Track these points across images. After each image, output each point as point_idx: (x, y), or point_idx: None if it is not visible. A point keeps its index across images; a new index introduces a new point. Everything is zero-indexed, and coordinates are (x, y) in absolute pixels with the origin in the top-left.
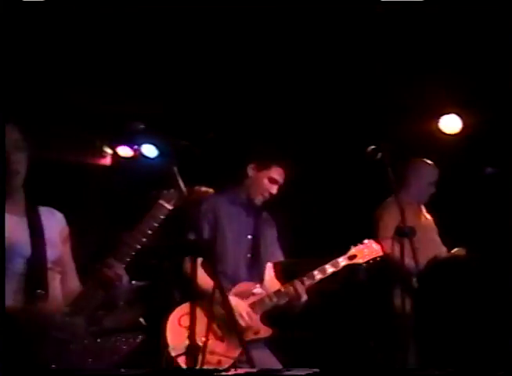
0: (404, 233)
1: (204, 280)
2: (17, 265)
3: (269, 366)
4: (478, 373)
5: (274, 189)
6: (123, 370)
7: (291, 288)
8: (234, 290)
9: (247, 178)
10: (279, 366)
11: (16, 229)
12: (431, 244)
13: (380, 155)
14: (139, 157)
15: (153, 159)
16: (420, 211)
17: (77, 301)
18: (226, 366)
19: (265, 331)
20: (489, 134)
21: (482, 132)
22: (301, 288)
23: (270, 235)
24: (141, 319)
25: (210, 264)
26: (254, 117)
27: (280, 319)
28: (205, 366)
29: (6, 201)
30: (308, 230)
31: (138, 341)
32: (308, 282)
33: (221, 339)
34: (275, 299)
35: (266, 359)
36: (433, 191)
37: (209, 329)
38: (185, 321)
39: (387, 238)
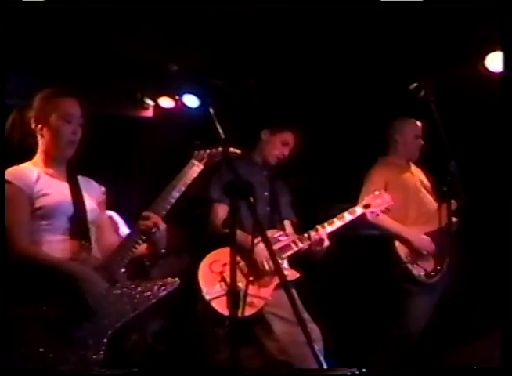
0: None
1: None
2: (61, 222)
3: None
4: None
5: (286, 151)
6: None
7: (314, 233)
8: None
9: (261, 142)
10: (307, 317)
11: (60, 191)
12: (420, 202)
13: (423, 92)
14: (181, 107)
15: (194, 109)
16: (409, 168)
17: (112, 252)
18: (260, 306)
19: (292, 275)
20: None
21: None
22: (323, 233)
23: (285, 198)
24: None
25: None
26: (269, 82)
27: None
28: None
29: (52, 168)
30: (320, 193)
31: (175, 286)
32: (329, 228)
33: (252, 282)
34: (299, 244)
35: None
36: (421, 145)
37: (246, 273)
38: (216, 267)
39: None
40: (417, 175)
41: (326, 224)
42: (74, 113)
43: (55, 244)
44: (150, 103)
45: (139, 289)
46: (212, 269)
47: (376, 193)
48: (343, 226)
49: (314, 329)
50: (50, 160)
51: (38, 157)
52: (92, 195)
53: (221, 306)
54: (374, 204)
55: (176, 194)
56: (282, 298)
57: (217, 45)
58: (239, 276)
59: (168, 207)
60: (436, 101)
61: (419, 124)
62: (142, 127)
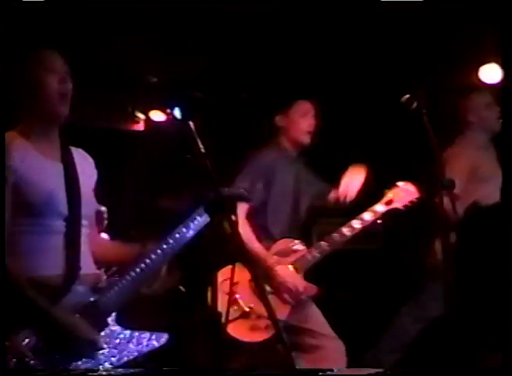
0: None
1: (249, 238)
2: (51, 222)
3: (318, 325)
4: None
5: (311, 119)
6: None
7: (330, 241)
8: (274, 248)
9: (281, 129)
10: (327, 325)
11: (53, 179)
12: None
13: (415, 104)
14: (172, 120)
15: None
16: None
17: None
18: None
19: (310, 290)
20: None
21: None
22: (340, 240)
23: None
24: (181, 287)
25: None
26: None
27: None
28: (256, 332)
29: (42, 137)
30: None
31: (161, 342)
32: (348, 233)
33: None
34: (316, 254)
35: (315, 317)
36: (498, 112)
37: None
38: (226, 287)
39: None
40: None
41: (344, 229)
42: (58, 63)
43: (41, 255)
44: (141, 116)
45: (126, 341)
46: (222, 289)
47: (400, 184)
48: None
49: (339, 345)
50: (40, 126)
51: (25, 122)
52: (87, 180)
53: (235, 331)
54: (398, 198)
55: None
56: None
57: (209, 57)
58: (250, 296)
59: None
60: (428, 113)
61: (486, 93)
62: (133, 140)
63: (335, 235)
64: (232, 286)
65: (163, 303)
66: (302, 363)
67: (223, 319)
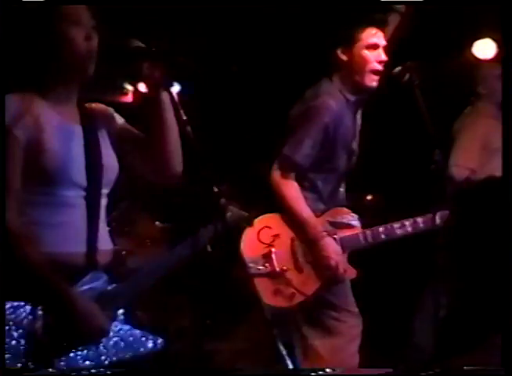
0: None
1: (297, 201)
2: (69, 193)
3: (346, 303)
4: None
5: (381, 56)
6: None
7: (388, 232)
8: (326, 215)
9: (345, 66)
10: (354, 303)
11: (71, 145)
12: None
13: (407, 76)
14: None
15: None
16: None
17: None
18: (297, 301)
19: (350, 273)
20: None
21: None
22: (399, 234)
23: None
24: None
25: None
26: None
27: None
28: (279, 297)
29: (62, 99)
30: None
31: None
32: (409, 228)
33: (300, 270)
34: (370, 240)
35: (344, 294)
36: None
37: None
38: (265, 236)
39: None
40: None
41: (406, 222)
42: (84, 16)
43: (55, 229)
44: (129, 88)
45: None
46: (260, 237)
47: None
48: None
49: (358, 324)
50: (61, 86)
51: (45, 82)
52: (110, 138)
53: (255, 286)
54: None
55: None
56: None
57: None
58: (287, 256)
59: None
60: (421, 86)
61: (496, 64)
62: (121, 112)
63: (396, 226)
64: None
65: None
66: (315, 338)
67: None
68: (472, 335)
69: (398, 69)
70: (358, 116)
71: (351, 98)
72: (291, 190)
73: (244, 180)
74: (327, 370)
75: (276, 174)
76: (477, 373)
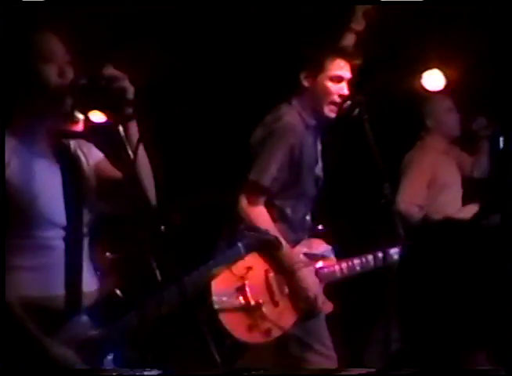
0: None
1: (267, 224)
2: (46, 234)
3: (321, 342)
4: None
5: (344, 89)
6: None
7: (363, 263)
8: (302, 246)
9: (305, 91)
10: (329, 342)
11: (46, 183)
12: (455, 197)
13: (357, 111)
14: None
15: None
16: (450, 153)
17: None
18: (275, 336)
19: (326, 306)
20: (474, 90)
21: (467, 89)
22: (372, 266)
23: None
24: (117, 291)
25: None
26: None
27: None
28: (254, 332)
29: (35, 135)
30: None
31: None
32: (381, 260)
33: (276, 303)
34: (346, 272)
35: (319, 333)
36: (457, 117)
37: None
38: (237, 268)
39: (419, 188)
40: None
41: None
42: (56, 50)
43: (36, 273)
44: (80, 116)
45: None
46: (232, 269)
47: None
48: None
49: (332, 356)
50: (36, 122)
51: (18, 119)
52: (90, 174)
53: (229, 322)
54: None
55: None
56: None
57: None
58: (261, 289)
59: None
60: (370, 120)
61: (447, 97)
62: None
63: (369, 257)
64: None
65: None
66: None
67: (216, 305)
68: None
69: (347, 103)
70: (318, 142)
71: (311, 122)
72: (262, 219)
73: (206, 208)
74: None
75: (244, 201)
76: (477, 373)
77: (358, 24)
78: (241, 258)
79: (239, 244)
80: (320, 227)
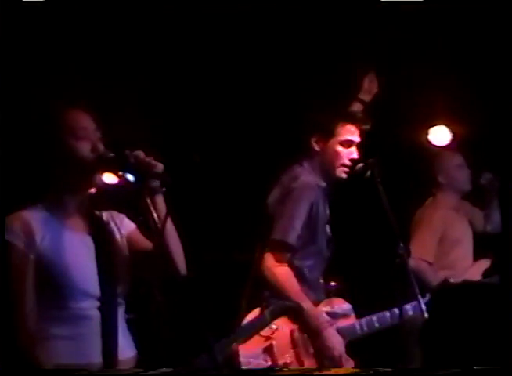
0: None
1: (296, 292)
2: (80, 305)
3: None
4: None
5: (354, 154)
6: None
7: (381, 320)
8: (324, 305)
9: (316, 155)
10: None
11: (80, 256)
12: (467, 253)
13: (369, 173)
14: (125, 182)
15: (121, 181)
16: (461, 209)
17: None
18: None
19: (349, 363)
20: (479, 145)
21: (472, 144)
22: (391, 322)
23: None
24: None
25: None
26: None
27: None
28: None
29: (68, 210)
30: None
31: None
32: (410, 312)
33: (301, 362)
34: (366, 329)
35: None
36: (468, 173)
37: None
38: (266, 330)
39: (429, 245)
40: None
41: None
42: (88, 127)
43: (72, 343)
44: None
45: None
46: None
47: None
48: None
49: None
50: (69, 197)
51: (52, 194)
52: (122, 246)
53: None
54: None
55: None
56: None
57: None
58: (288, 349)
59: None
60: (382, 180)
61: (457, 154)
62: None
63: (387, 314)
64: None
65: None
66: None
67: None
68: None
69: (360, 166)
70: (327, 203)
71: (322, 184)
72: (288, 278)
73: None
74: None
75: (270, 261)
76: (477, 373)
77: (366, 96)
78: (268, 326)
79: (266, 313)
80: (333, 284)
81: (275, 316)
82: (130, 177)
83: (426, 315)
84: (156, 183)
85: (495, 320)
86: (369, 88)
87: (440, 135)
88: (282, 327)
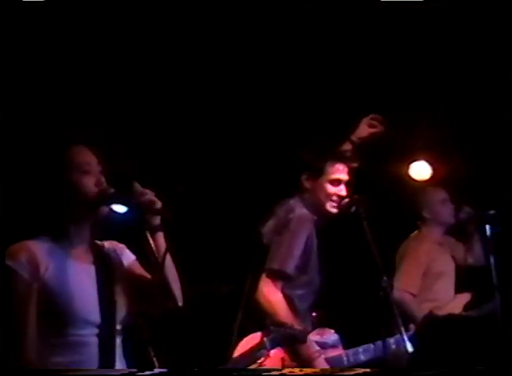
0: None
1: (286, 313)
2: (81, 333)
3: None
4: None
5: (342, 191)
6: None
7: (367, 353)
8: (314, 334)
9: (307, 191)
10: None
11: (83, 284)
12: (449, 286)
13: (354, 208)
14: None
15: (122, 214)
16: (444, 243)
17: None
18: None
19: None
20: (460, 178)
21: (452, 177)
22: (375, 355)
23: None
24: None
25: None
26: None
27: None
28: None
29: (73, 240)
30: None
31: None
32: (393, 346)
33: None
34: (352, 360)
35: None
36: (452, 208)
37: None
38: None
39: (414, 277)
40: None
41: (391, 340)
42: (91, 162)
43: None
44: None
45: None
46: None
47: None
48: None
49: None
50: (73, 229)
51: (58, 227)
52: (122, 275)
53: None
54: None
55: None
56: None
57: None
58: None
59: None
60: (367, 215)
61: (441, 189)
62: None
63: (371, 346)
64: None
65: None
66: None
67: None
68: None
69: (345, 201)
70: (315, 237)
71: (314, 217)
72: (283, 307)
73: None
74: None
75: (266, 288)
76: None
77: (359, 138)
78: (266, 354)
79: (266, 341)
80: (314, 314)
81: (275, 343)
82: (131, 212)
83: (410, 349)
84: (157, 220)
85: (478, 352)
86: (363, 133)
87: (420, 170)
88: (273, 354)
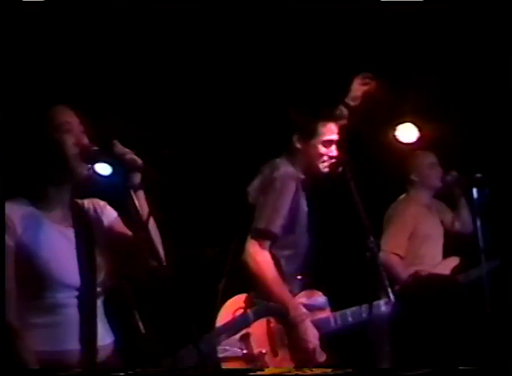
0: None
1: (273, 273)
2: (59, 297)
3: None
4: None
5: (333, 152)
6: None
7: (356, 316)
8: (301, 297)
9: (297, 152)
10: None
11: (61, 247)
12: (436, 249)
13: (340, 169)
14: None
15: (106, 177)
16: (432, 207)
17: None
18: None
19: (320, 356)
20: (447, 142)
21: (439, 141)
22: (364, 317)
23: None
24: None
25: None
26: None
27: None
28: None
29: (52, 202)
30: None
31: None
32: (382, 308)
33: (276, 353)
34: (339, 322)
35: None
36: (440, 171)
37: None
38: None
39: (401, 239)
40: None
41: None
42: (73, 121)
43: (53, 330)
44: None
45: None
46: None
47: None
48: None
49: None
50: (52, 191)
51: (37, 189)
52: (103, 235)
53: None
54: None
55: None
56: None
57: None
58: (264, 339)
59: None
60: (355, 176)
61: (429, 153)
62: None
63: (360, 308)
64: None
65: None
66: None
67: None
68: None
69: (333, 161)
70: (304, 198)
71: (301, 176)
72: (270, 267)
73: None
74: None
75: (253, 248)
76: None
77: (353, 101)
78: (249, 326)
79: (250, 313)
80: (299, 277)
81: (258, 316)
82: (113, 170)
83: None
84: (138, 178)
85: (463, 317)
86: (357, 93)
87: (407, 132)
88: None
